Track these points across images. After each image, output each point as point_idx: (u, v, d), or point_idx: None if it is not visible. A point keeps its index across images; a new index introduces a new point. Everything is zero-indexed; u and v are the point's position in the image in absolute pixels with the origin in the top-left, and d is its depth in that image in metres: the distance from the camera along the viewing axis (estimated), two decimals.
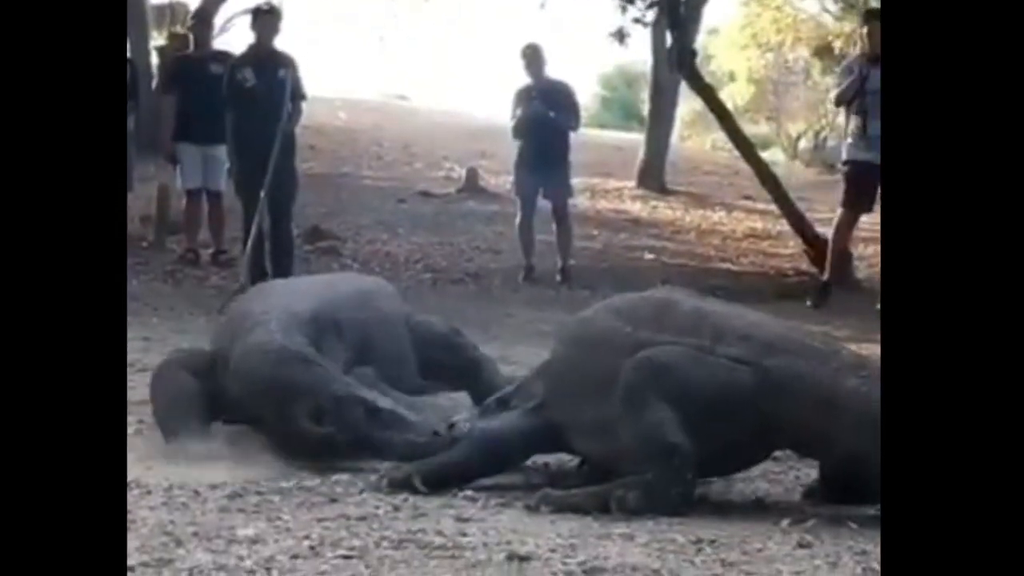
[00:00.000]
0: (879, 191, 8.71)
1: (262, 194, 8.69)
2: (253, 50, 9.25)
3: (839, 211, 9.34)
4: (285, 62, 9.04)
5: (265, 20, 9.16)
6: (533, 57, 10.43)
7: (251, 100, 8.87)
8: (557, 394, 3.81)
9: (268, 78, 8.89)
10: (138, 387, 4.47)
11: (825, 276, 9.37)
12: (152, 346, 5.87)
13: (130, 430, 4.17)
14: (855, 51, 10.97)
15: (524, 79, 10.53)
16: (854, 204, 9.14)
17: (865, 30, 9.30)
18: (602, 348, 3.70)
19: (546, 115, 10.18)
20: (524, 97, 10.39)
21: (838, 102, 9.65)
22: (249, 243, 8.76)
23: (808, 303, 9.03)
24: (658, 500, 3.37)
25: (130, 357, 4.71)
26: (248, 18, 9.66)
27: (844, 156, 9.46)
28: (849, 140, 9.31)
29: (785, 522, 3.32)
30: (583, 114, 11.16)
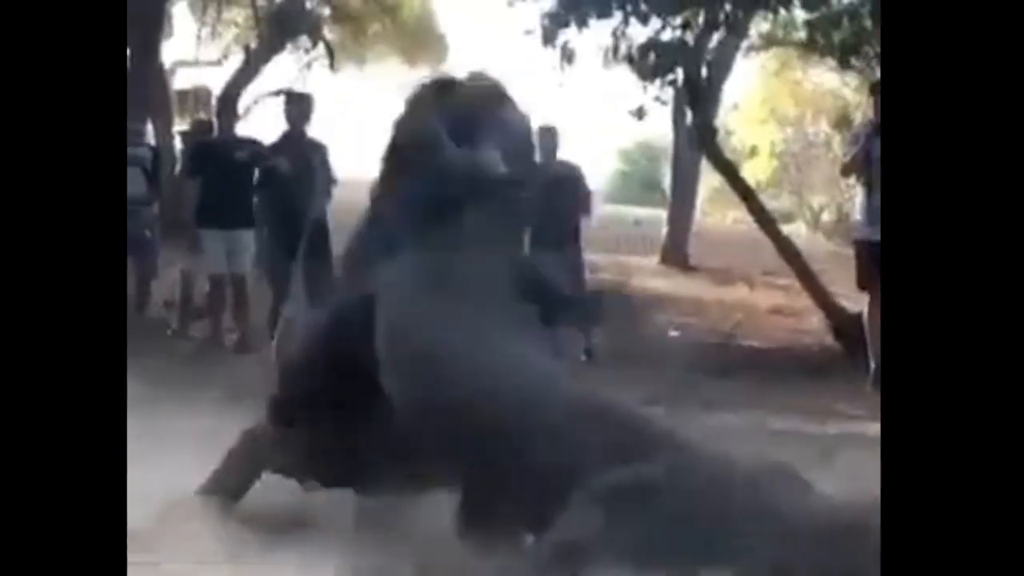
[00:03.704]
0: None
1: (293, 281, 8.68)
2: (285, 136, 9.33)
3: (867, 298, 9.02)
4: (315, 148, 9.10)
5: (297, 105, 9.24)
6: (547, 141, 10.41)
7: (282, 187, 8.91)
8: None
9: (299, 164, 8.94)
10: None
11: (872, 364, 8.84)
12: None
13: None
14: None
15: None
16: (868, 285, 8.85)
17: (874, 100, 9.17)
18: None
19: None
20: None
21: (844, 172, 9.54)
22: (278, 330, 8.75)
23: (868, 388, 8.76)
24: None
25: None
26: (271, 102, 9.77)
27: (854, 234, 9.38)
28: (858, 216, 9.21)
29: None
30: (600, 191, 11.19)
